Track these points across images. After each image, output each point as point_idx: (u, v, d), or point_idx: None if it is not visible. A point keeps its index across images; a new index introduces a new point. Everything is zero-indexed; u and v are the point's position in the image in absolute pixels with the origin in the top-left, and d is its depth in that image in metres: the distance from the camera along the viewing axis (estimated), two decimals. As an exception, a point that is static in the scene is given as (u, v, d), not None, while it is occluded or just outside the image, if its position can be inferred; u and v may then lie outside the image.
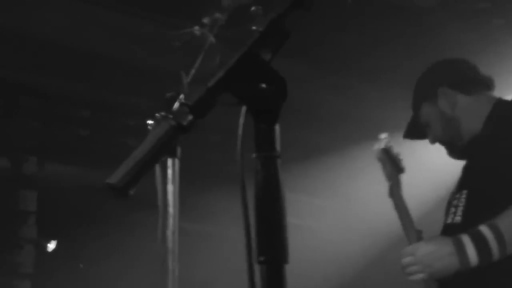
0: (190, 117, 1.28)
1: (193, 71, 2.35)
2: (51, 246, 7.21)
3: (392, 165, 3.35)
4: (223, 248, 6.66)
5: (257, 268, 1.30)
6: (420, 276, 2.86)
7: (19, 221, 6.11)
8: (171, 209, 2.23)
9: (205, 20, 2.71)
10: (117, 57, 5.42)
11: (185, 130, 1.28)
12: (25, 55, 5.41)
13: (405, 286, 3.03)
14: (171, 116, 1.30)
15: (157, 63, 5.26)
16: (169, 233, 2.22)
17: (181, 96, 2.16)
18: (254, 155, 1.33)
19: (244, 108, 1.33)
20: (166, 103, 2.23)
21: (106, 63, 5.45)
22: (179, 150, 2.25)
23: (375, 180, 7.02)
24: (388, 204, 3.23)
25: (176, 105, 1.36)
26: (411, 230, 3.10)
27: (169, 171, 2.24)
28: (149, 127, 2.25)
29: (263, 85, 1.31)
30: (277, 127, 1.34)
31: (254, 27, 1.32)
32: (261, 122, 1.32)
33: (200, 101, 1.30)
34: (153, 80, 5.35)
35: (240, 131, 1.33)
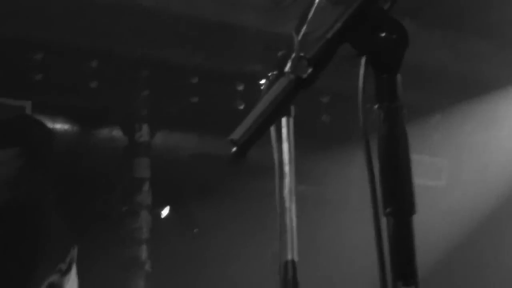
0: (309, 70, 1.27)
1: (303, 30, 2.32)
2: (165, 212, 7.37)
3: None
4: (337, 209, 6.66)
5: (383, 220, 1.28)
6: None
7: (134, 188, 6.26)
8: (287, 168, 2.23)
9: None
10: (225, 24, 5.46)
11: (305, 83, 1.27)
12: (136, 27, 5.52)
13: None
14: (290, 70, 1.28)
15: (264, 26, 5.27)
16: (286, 192, 2.22)
17: (293, 55, 2.13)
18: (376, 106, 1.30)
19: (363, 59, 1.31)
20: (277, 62, 2.22)
21: (214, 30, 5.49)
22: (293, 109, 2.24)
23: (488, 139, 6.86)
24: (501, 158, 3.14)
25: (292, 61, 1.33)
26: None
27: (284, 130, 2.23)
28: (262, 87, 2.24)
29: (383, 34, 1.28)
30: (399, 77, 1.31)
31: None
32: (382, 72, 1.29)
33: (319, 53, 1.28)
34: (262, 44, 5.37)
35: (360, 83, 1.31)
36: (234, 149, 1.30)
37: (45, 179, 3.16)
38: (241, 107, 6.14)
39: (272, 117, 1.27)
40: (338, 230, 6.64)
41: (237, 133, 1.27)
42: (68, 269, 3.16)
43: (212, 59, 5.96)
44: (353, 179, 6.43)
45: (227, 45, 5.74)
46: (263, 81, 2.29)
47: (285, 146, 2.26)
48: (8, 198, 3.03)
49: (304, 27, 2.43)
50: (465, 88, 6.47)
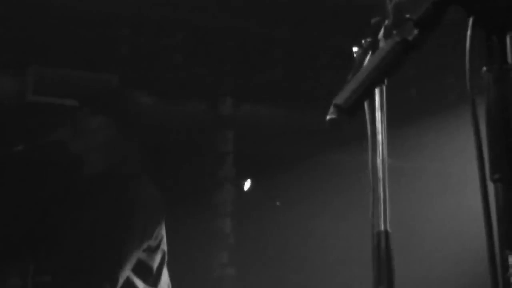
0: (415, 32, 1.23)
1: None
2: (247, 185, 7.40)
3: None
4: (429, 180, 6.57)
5: (490, 186, 1.24)
6: None
7: (218, 161, 6.29)
8: (380, 137, 2.19)
9: None
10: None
11: (411, 46, 1.23)
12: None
13: None
14: (396, 32, 1.25)
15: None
16: (378, 161, 2.18)
17: (387, 20, 2.09)
18: (484, 69, 1.26)
19: (471, 20, 1.27)
20: (371, 29, 2.18)
21: (298, 1, 5.46)
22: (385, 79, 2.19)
23: None
24: None
25: (394, 24, 1.30)
26: None
27: (377, 99, 2.19)
28: (354, 54, 2.21)
29: (493, -5, 1.24)
30: (508, 39, 1.26)
31: None
32: (492, 33, 1.25)
33: (425, 15, 1.24)
34: (346, 15, 5.31)
35: (468, 44, 1.26)
36: (335, 114, 1.28)
37: (138, 150, 3.18)
38: (324, 79, 6.08)
39: (377, 80, 1.25)
40: (430, 201, 6.55)
41: (341, 98, 1.25)
42: (157, 246, 3.17)
43: (297, 31, 5.91)
44: (441, 151, 6.33)
45: (311, 16, 5.68)
46: (355, 49, 2.26)
47: (378, 115, 2.22)
48: (104, 166, 3.05)
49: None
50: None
